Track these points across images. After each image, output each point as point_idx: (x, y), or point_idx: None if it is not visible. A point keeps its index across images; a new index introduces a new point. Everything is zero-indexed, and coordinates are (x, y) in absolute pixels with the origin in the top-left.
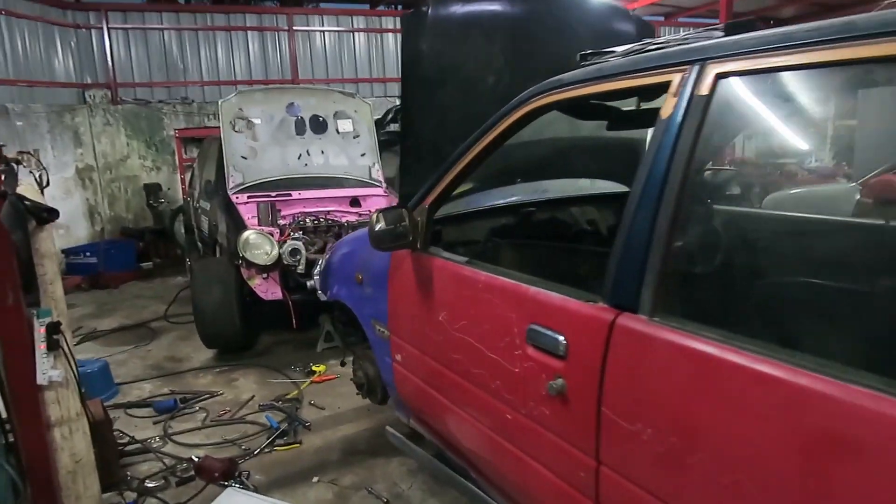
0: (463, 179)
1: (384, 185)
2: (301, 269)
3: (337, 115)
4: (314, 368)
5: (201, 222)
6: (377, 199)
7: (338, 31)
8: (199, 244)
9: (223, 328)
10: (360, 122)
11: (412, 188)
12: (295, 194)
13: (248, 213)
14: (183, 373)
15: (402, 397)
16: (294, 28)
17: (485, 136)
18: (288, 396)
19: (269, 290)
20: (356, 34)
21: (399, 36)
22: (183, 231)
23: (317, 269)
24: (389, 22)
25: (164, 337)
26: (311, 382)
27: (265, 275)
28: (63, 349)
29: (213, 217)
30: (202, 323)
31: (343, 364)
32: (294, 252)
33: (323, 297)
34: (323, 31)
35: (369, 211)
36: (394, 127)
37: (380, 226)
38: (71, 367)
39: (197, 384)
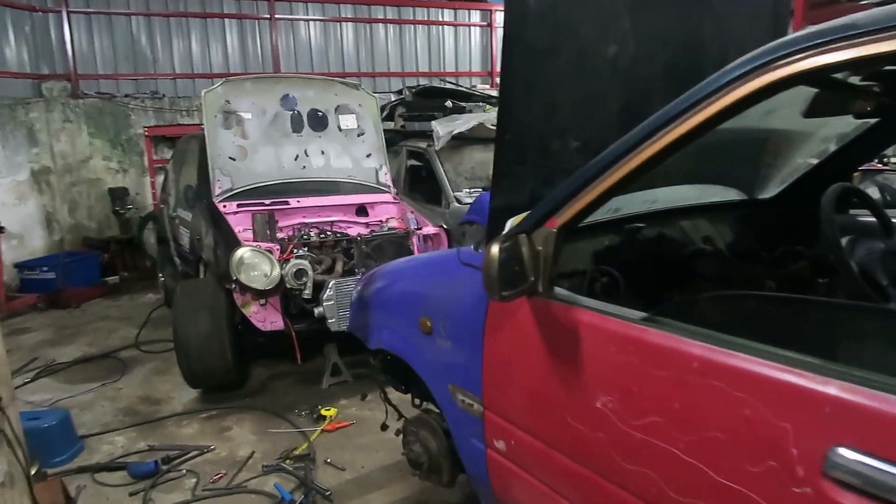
0: (620, 190)
1: (394, 189)
2: (307, 293)
3: (339, 110)
4: (323, 413)
5: (180, 235)
6: (386, 207)
7: (324, 21)
8: (178, 260)
9: (212, 365)
10: (365, 117)
11: (510, 198)
12: (293, 202)
13: (239, 225)
14: (163, 419)
15: (503, 500)
16: (276, 16)
17: (672, 126)
18: (296, 452)
19: (267, 318)
20: (344, 25)
21: (390, 27)
22: (154, 241)
23: (325, 294)
24: (379, 11)
25: (136, 370)
26: (323, 431)
27: (263, 300)
28: (6, 435)
29: (195, 229)
30: (186, 358)
31: (364, 398)
32: (299, 273)
33: (335, 327)
34: (308, 21)
35: (380, 221)
36: (389, 125)
37: (501, 258)
38: (18, 458)
39: (181, 435)
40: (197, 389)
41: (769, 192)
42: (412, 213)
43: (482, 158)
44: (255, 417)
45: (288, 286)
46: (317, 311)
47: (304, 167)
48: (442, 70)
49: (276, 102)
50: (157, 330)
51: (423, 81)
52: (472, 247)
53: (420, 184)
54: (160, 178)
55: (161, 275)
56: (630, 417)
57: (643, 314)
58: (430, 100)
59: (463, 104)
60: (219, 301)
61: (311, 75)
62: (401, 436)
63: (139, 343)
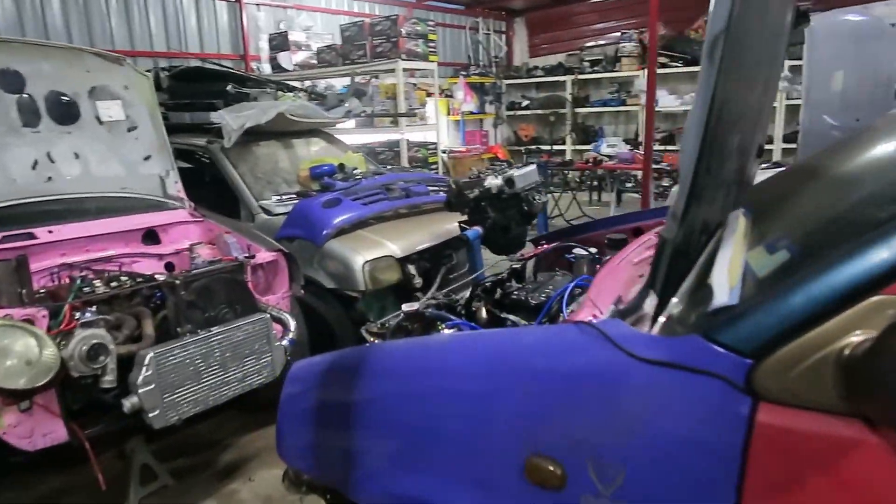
0: None
1: (189, 203)
2: (109, 379)
3: (95, 94)
4: None
5: None
6: (185, 229)
7: None
8: None
9: None
10: (135, 104)
11: (706, 218)
12: (41, 233)
13: None
14: None
15: None
16: None
17: None
18: None
19: (36, 431)
20: None
21: None
22: None
23: (141, 375)
24: None
25: None
26: None
27: (27, 404)
28: None
29: None
30: None
31: None
32: (95, 352)
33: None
34: None
35: (181, 251)
36: None
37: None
38: None
39: None
40: None
41: None
42: (228, 232)
43: (283, 157)
44: None
45: (76, 374)
46: (127, 403)
47: (51, 178)
48: (185, 51)
49: None
50: None
51: (164, 63)
52: (608, 315)
53: (200, 193)
54: None
55: None
56: None
57: None
58: (195, 84)
59: (245, 90)
60: None
61: (44, 43)
62: None
63: None
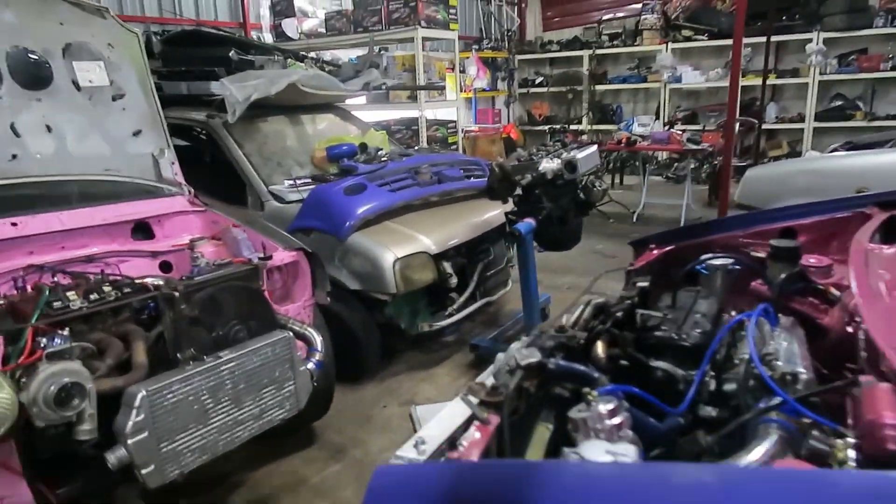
0: None
1: (188, 189)
2: (87, 429)
3: (71, 53)
4: None
5: None
6: (184, 221)
7: None
8: None
9: None
10: (121, 66)
11: None
12: (3, 226)
13: None
14: None
15: None
16: None
17: None
18: None
19: None
20: None
21: None
22: None
23: (130, 420)
24: None
25: None
26: None
27: None
28: None
29: None
30: None
31: None
32: (67, 393)
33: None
34: None
35: (180, 247)
36: None
37: None
38: None
39: None
40: None
41: None
42: (237, 226)
43: (294, 135)
44: None
45: (41, 423)
46: (113, 457)
47: (15, 156)
48: (179, 17)
49: None
50: None
51: (155, 29)
52: None
53: (200, 176)
54: None
55: None
56: None
57: None
58: (193, 50)
59: (250, 57)
60: None
61: None
62: None
63: None
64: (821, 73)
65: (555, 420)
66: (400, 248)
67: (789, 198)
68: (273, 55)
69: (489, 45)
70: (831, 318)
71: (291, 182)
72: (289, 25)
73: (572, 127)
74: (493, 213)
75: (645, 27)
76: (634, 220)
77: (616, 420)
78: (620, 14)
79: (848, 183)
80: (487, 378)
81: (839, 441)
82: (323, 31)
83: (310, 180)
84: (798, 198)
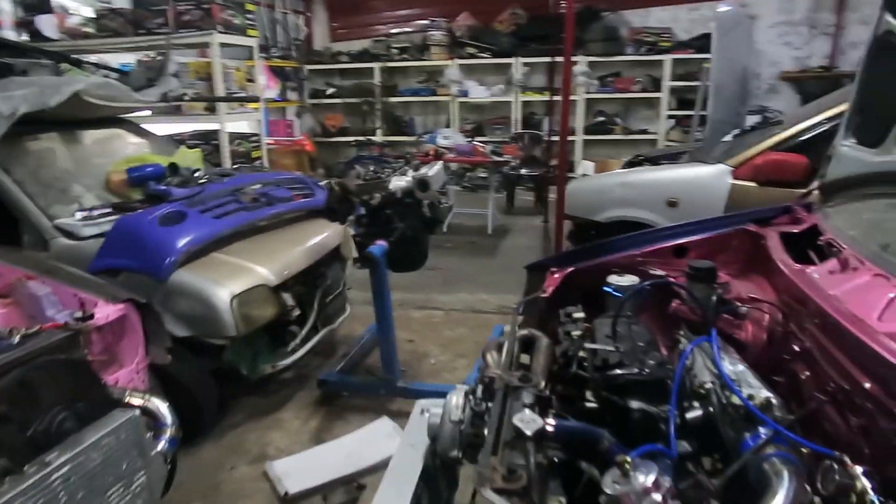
0: None
1: None
2: None
3: None
4: None
5: None
6: None
7: None
8: None
9: None
10: None
11: None
12: None
13: None
14: None
15: None
16: None
17: None
18: None
19: None
20: None
21: None
22: None
23: None
24: None
25: None
26: None
27: None
28: None
29: None
30: None
31: None
32: None
33: None
34: None
35: None
36: None
37: None
38: None
39: None
40: None
41: None
42: (30, 277)
43: (79, 155)
44: None
45: None
46: None
47: None
48: None
49: None
50: None
51: None
52: None
53: None
54: None
55: None
56: None
57: None
58: None
59: (6, 60)
60: None
61: None
62: None
63: None
64: (587, 93)
65: (561, 489)
66: (235, 282)
67: (611, 207)
68: (38, 58)
69: (277, 55)
70: (747, 333)
71: (85, 213)
72: (45, 22)
73: (367, 138)
74: (327, 234)
75: (433, 42)
76: (445, 229)
77: (658, 497)
78: (408, 29)
79: (658, 193)
80: (416, 437)
81: (857, 469)
82: (91, 30)
83: (110, 210)
84: (617, 207)
